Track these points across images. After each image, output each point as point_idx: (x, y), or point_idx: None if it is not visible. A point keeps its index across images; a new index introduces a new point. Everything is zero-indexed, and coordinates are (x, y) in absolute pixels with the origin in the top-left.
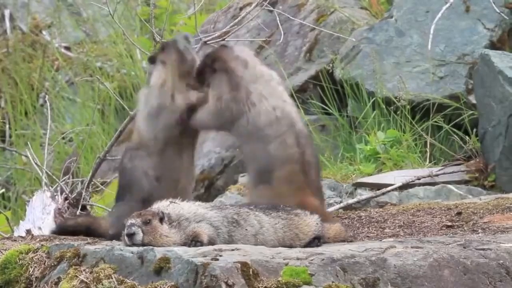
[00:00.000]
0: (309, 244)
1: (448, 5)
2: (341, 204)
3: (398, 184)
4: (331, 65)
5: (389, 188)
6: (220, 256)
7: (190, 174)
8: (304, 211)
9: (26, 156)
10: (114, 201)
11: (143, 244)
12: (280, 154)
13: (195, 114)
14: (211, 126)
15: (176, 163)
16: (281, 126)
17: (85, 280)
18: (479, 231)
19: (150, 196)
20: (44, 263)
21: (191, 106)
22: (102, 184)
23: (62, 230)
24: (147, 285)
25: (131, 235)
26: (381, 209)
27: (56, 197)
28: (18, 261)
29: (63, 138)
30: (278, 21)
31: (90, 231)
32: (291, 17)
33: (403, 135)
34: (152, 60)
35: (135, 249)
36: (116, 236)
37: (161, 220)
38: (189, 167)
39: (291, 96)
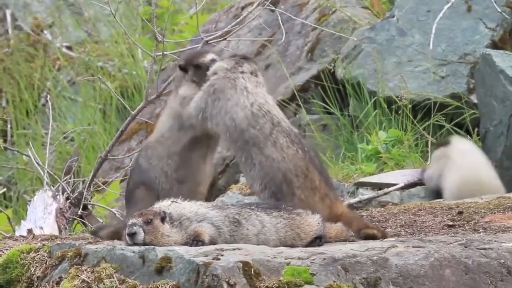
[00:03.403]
0: (310, 244)
1: (449, 4)
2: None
3: (401, 184)
4: (332, 64)
5: (391, 188)
6: (222, 255)
7: (209, 179)
8: (305, 210)
9: (28, 156)
10: (125, 201)
11: (144, 244)
12: (282, 157)
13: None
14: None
15: (201, 166)
16: (264, 124)
17: (86, 279)
18: (481, 230)
19: (169, 197)
20: (46, 263)
21: None
22: (103, 183)
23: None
24: (148, 285)
25: (132, 235)
26: (382, 209)
27: (58, 196)
28: (19, 260)
29: (65, 137)
30: (280, 21)
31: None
32: (292, 17)
33: (405, 135)
34: (183, 69)
35: (136, 248)
36: None
37: (163, 219)
38: (210, 172)
39: (293, 95)
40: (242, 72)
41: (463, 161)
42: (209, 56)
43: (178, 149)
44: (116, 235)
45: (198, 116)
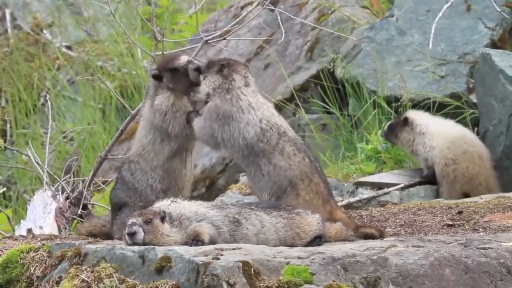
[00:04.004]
0: (310, 243)
1: (449, 4)
2: (343, 203)
3: (401, 184)
4: (332, 64)
5: (392, 188)
6: (221, 255)
7: (190, 182)
8: (305, 210)
9: (27, 155)
10: (113, 208)
11: (144, 243)
12: (289, 165)
13: (192, 122)
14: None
15: (182, 172)
16: (271, 136)
17: (86, 279)
18: (480, 230)
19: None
20: (45, 262)
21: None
22: (103, 183)
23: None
24: (148, 284)
25: (132, 234)
26: (382, 208)
27: (57, 196)
28: (19, 260)
29: (64, 137)
30: (279, 20)
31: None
32: (292, 16)
33: None
34: (157, 78)
35: (136, 248)
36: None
37: (162, 219)
38: (190, 174)
39: (292, 95)
40: (239, 88)
41: (443, 128)
42: (184, 58)
43: (160, 161)
44: (95, 232)
45: (209, 142)
